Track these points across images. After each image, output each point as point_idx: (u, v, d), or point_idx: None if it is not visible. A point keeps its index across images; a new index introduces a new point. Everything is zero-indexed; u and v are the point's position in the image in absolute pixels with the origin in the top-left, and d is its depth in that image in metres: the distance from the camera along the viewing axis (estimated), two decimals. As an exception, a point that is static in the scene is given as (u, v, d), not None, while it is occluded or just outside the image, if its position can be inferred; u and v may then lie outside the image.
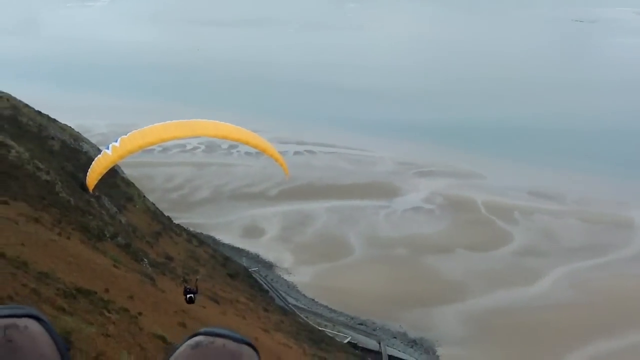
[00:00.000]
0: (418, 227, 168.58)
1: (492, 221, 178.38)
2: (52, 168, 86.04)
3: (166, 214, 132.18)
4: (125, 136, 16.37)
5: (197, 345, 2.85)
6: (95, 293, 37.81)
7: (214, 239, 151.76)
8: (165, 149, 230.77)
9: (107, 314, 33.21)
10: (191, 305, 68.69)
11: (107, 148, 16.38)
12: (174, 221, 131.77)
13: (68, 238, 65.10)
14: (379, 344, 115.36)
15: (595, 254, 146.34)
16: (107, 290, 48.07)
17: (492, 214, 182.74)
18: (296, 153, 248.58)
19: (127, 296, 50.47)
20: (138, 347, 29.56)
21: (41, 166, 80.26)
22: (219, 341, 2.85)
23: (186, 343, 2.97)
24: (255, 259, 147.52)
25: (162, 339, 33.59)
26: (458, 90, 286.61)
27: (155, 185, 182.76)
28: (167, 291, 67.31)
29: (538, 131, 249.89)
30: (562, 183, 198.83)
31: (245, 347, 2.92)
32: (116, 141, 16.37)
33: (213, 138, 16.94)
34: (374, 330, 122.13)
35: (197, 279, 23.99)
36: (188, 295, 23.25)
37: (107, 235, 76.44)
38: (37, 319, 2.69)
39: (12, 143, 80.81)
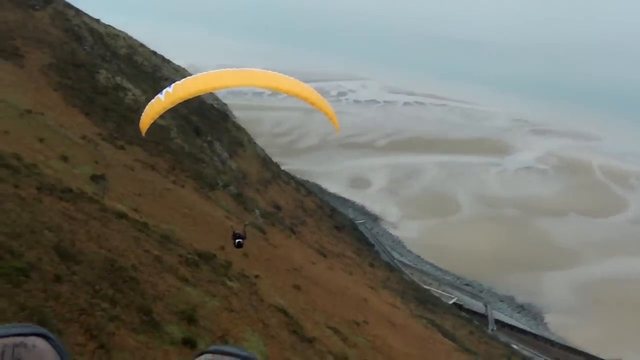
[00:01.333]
0: (530, 188, 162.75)
1: (608, 186, 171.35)
2: (166, 112, 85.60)
3: (274, 159, 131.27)
4: (179, 82, 16.07)
5: None
6: (215, 256, 36.28)
7: (320, 188, 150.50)
8: (274, 93, 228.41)
9: (228, 282, 31.61)
10: (302, 262, 67.90)
11: (161, 93, 15.93)
12: (281, 167, 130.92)
13: (182, 187, 64.37)
14: (486, 306, 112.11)
15: None
16: (222, 248, 46.89)
17: (608, 179, 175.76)
18: (405, 104, 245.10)
19: (242, 254, 49.12)
20: (261, 323, 27.83)
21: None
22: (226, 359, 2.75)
23: None
24: (361, 210, 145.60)
25: (284, 312, 31.73)
26: (582, 47, 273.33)
27: (264, 129, 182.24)
28: (277, 246, 66.09)
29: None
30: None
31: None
32: (170, 87, 15.99)
33: (265, 89, 17.12)
34: (480, 292, 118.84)
35: (245, 225, 23.35)
36: (237, 241, 22.77)
37: (220, 184, 75.59)
38: (45, 337, 2.69)
39: (129, 86, 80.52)
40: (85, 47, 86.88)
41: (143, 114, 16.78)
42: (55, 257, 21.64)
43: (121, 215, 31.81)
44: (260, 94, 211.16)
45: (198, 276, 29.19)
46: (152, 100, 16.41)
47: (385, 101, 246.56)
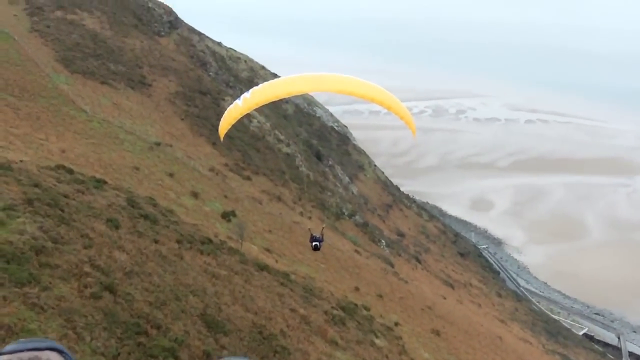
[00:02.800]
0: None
1: None
2: (288, 135, 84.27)
3: (392, 180, 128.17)
4: (257, 87, 15.87)
5: None
6: (356, 307, 33.85)
7: (440, 210, 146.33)
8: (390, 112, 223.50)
9: (375, 340, 29.17)
10: (433, 298, 64.84)
11: (239, 99, 16.09)
12: (400, 189, 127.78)
13: (309, 218, 62.54)
14: (619, 338, 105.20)
15: None
16: (357, 289, 44.68)
17: None
18: (528, 121, 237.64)
19: (377, 295, 46.82)
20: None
21: (281, 137, 78.47)
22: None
23: None
24: (484, 234, 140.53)
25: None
26: None
27: (381, 149, 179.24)
28: (408, 281, 63.26)
29: None
30: None
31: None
32: (247, 93, 15.88)
33: (342, 94, 15.74)
34: (611, 322, 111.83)
35: (323, 228, 21.32)
36: (314, 244, 20.81)
37: (346, 214, 73.43)
38: (59, 351, 2.75)
39: (254, 112, 79.50)
40: (210, 73, 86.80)
41: (222, 119, 16.92)
42: (202, 328, 19.80)
43: (262, 267, 29.84)
44: (377, 112, 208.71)
45: (346, 337, 26.85)
46: (231, 106, 16.41)
47: (506, 119, 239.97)
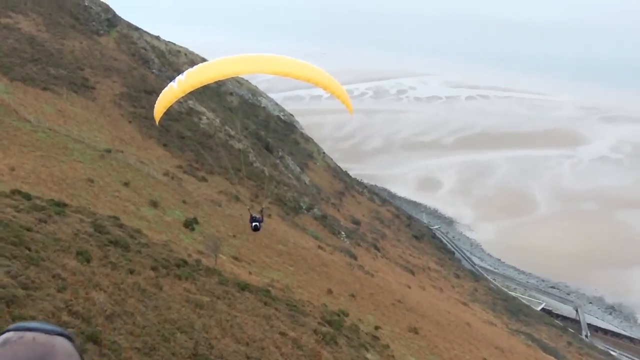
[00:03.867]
0: (607, 179, 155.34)
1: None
2: (237, 130, 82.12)
3: (339, 165, 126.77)
4: (191, 70, 16.22)
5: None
6: (339, 316, 32.59)
7: (388, 192, 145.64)
8: (332, 96, 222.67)
9: (367, 355, 27.84)
10: (400, 289, 63.91)
11: (174, 81, 16.31)
12: (349, 173, 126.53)
13: (269, 216, 60.83)
14: (576, 311, 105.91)
15: None
16: (330, 292, 43.43)
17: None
18: (469, 98, 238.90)
19: (349, 294, 45.70)
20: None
21: (232, 133, 76.31)
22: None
23: None
24: (434, 214, 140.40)
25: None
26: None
27: (325, 133, 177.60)
28: (373, 273, 62.15)
29: None
30: None
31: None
32: (182, 75, 16.19)
33: (276, 75, 16.45)
34: (567, 294, 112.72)
35: (262, 209, 25.11)
36: (253, 224, 23.30)
37: (303, 207, 71.86)
38: (68, 338, 2.81)
39: (202, 109, 77.25)
40: (154, 71, 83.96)
41: (156, 103, 17.09)
42: (197, 373, 18.13)
43: (242, 287, 28.19)
44: (318, 97, 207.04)
45: (340, 357, 25.43)
46: (165, 88, 16.59)
47: (447, 96, 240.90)
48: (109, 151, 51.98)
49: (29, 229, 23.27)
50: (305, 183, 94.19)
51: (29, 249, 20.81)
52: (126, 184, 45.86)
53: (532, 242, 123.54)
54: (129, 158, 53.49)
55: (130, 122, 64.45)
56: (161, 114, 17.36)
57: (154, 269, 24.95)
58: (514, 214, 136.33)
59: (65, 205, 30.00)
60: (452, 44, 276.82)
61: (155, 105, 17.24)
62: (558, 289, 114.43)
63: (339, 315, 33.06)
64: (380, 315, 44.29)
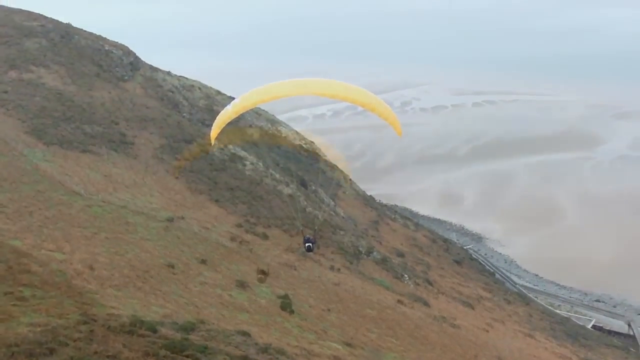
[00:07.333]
0: (632, 179, 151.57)
1: None
2: (283, 173, 76.99)
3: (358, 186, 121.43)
4: (245, 94, 18.10)
5: None
6: None
7: (410, 212, 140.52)
8: (336, 113, 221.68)
9: None
10: (487, 339, 58.80)
11: (229, 105, 18.46)
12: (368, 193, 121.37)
13: (338, 270, 55.69)
14: (629, 325, 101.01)
15: None
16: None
17: None
18: (475, 104, 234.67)
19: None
20: None
21: (277, 176, 71.04)
22: None
23: None
24: (461, 231, 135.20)
25: None
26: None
27: (335, 154, 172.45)
28: (455, 323, 57.06)
29: None
30: None
31: None
32: (237, 99, 18.20)
33: (325, 97, 16.50)
34: (614, 307, 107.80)
35: (315, 229, 27.62)
36: (307, 245, 23.54)
37: (363, 252, 66.52)
38: None
39: (243, 153, 71.85)
40: (184, 115, 78.66)
41: (214, 124, 19.29)
42: None
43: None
44: (321, 116, 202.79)
45: None
46: (222, 111, 19.01)
47: (453, 105, 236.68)
48: (171, 220, 46.66)
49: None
50: (342, 216, 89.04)
51: None
52: (203, 262, 40.53)
53: (566, 253, 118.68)
54: (192, 225, 48.15)
55: (177, 178, 59.16)
56: (216, 135, 19.40)
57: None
58: (543, 223, 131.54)
59: (192, 329, 24.55)
60: (447, 51, 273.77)
61: (213, 127, 19.25)
62: (603, 302, 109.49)
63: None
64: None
